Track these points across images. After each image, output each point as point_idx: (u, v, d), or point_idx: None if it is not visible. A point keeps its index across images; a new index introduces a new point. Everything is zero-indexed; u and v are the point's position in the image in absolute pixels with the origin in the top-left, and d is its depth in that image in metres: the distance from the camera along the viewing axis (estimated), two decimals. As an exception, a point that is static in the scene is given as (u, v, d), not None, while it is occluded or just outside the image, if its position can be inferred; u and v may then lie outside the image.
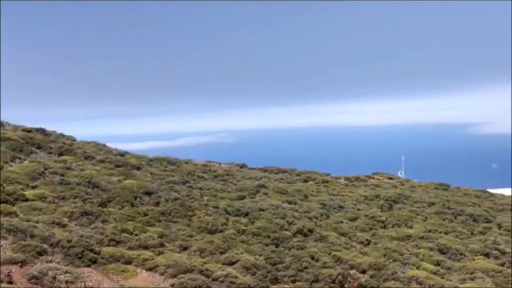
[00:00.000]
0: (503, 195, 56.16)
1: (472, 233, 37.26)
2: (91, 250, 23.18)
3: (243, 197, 38.45)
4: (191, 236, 28.45)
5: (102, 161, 41.71)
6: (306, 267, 26.43)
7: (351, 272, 26.88)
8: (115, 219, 28.60)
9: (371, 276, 26.68)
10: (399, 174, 76.52)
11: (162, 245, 26.45)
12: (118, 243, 25.62)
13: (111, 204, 31.28)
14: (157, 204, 32.88)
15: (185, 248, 26.68)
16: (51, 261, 21.42)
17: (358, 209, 39.54)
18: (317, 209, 37.31)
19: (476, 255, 32.25)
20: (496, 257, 32.32)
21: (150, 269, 23.44)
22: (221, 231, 30.13)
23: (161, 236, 27.45)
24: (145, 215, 30.49)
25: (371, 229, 35.26)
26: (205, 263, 24.42)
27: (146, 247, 25.64)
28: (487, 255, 32.56)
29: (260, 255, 26.91)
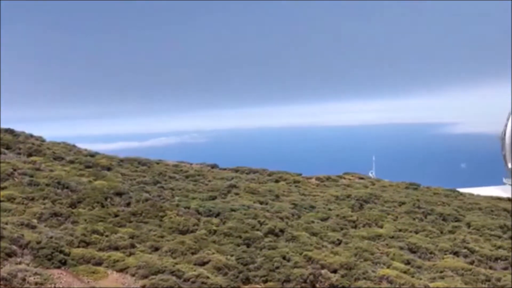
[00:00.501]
0: (472, 194, 56.75)
1: (441, 232, 37.58)
2: (61, 252, 22.97)
3: (214, 198, 38.38)
4: (162, 236, 28.33)
5: (72, 162, 41.38)
6: (277, 267, 26.44)
7: (322, 271, 26.94)
8: (85, 220, 28.38)
9: (342, 276, 26.77)
10: (370, 174, 77.03)
11: (133, 246, 26.30)
12: (88, 244, 25.43)
13: (81, 205, 31.05)
14: (128, 204, 32.70)
15: (156, 249, 26.56)
16: (20, 263, 21.19)
17: (329, 209, 39.68)
18: (289, 209, 37.37)
19: (445, 254, 32.53)
20: (465, 256, 32.63)
21: (120, 270, 23.29)
22: (192, 231, 30.05)
23: (132, 237, 27.30)
24: (116, 216, 30.30)
25: (342, 228, 35.39)
26: (176, 263, 24.32)
27: (116, 248, 25.48)
28: (456, 253, 32.86)
29: (231, 255, 26.86)
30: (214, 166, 56.13)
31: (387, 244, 32.95)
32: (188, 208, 33.74)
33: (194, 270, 23.75)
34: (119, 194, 33.59)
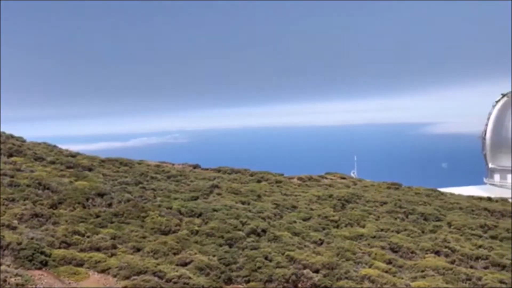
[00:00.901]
0: (453, 194, 57.11)
1: (423, 232, 37.77)
2: (42, 253, 22.83)
3: (196, 198, 38.31)
4: (144, 237, 28.24)
5: (53, 162, 41.13)
6: (259, 267, 26.44)
7: (305, 271, 26.98)
8: (66, 221, 28.23)
9: (324, 276, 26.83)
10: (352, 174, 77.27)
11: (114, 246, 26.19)
12: (69, 245, 25.30)
13: (62, 206, 30.87)
14: (110, 205, 32.56)
15: (138, 250, 26.47)
16: (1, 264, 21.04)
17: (311, 209, 39.74)
18: (271, 209, 37.39)
19: (426, 253, 32.70)
20: (447, 255, 32.83)
21: (102, 271, 23.19)
22: (174, 232, 29.97)
23: (113, 238, 27.18)
24: (97, 216, 30.16)
25: (324, 228, 35.46)
26: (158, 264, 24.25)
27: (98, 249, 25.36)
28: (437, 253, 33.04)
29: (213, 256, 26.83)
30: (196, 166, 56.04)
31: (369, 244, 33.06)
32: (170, 208, 33.65)
33: (176, 271, 23.69)
34: (101, 194, 33.43)
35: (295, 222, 35.69)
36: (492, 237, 38.23)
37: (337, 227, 36.58)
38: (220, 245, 28.80)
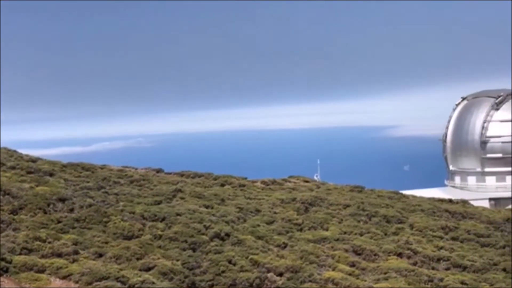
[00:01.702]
0: (415, 196, 57.65)
1: (385, 234, 38.07)
2: (3, 259, 22.51)
3: (159, 202, 38.09)
4: (106, 242, 28.00)
5: (13, 168, 40.54)
6: (223, 271, 26.41)
7: (268, 275, 27.02)
8: (27, 227, 27.85)
9: (288, 279, 26.89)
10: (315, 177, 77.49)
11: (76, 252, 25.93)
12: (30, 251, 24.98)
13: (22, 212, 30.44)
14: (71, 210, 32.20)
15: (101, 255, 26.25)
16: (-41, 272, 20.69)
17: (275, 213, 39.79)
18: (234, 213, 37.34)
19: (389, 255, 32.98)
20: (409, 257, 33.14)
21: (64, 277, 22.95)
22: (137, 236, 29.77)
23: (75, 243, 26.91)
24: (59, 222, 29.82)
25: (287, 232, 35.53)
26: (121, 269, 24.07)
27: (59, 255, 25.08)
28: (400, 255, 33.34)
29: (177, 260, 26.72)
30: (159, 171, 55.72)
31: (332, 247, 33.22)
32: (133, 213, 33.40)
33: (140, 276, 23.54)
34: (62, 200, 33.05)
35: (258, 225, 35.70)
36: (453, 239, 38.71)
37: (301, 230, 36.68)
38: (184, 250, 28.69)
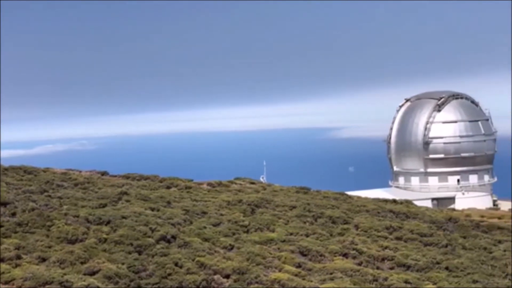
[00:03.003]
0: (359, 197, 58.32)
1: (331, 235, 38.37)
2: None
3: (104, 205, 37.66)
4: (50, 246, 27.54)
5: (-48, 171, 39.62)
6: (170, 274, 26.25)
7: (215, 277, 26.96)
8: (-33, 232, 27.21)
9: (235, 281, 26.87)
10: (261, 179, 77.76)
11: (19, 257, 25.44)
12: (-29, 256, 24.41)
13: (-37, 216, 29.74)
14: (13, 214, 31.60)
15: (44, 259, 25.81)
16: None
17: (221, 214, 39.74)
18: (180, 215, 37.16)
19: (335, 256, 33.24)
20: (354, 257, 33.46)
21: (6, 282, 22.49)
22: (81, 240, 29.35)
23: (17, 248, 26.40)
24: (1, 226, 29.22)
25: (234, 233, 35.51)
26: (65, 274, 23.70)
27: (1, 260, 24.57)
28: (345, 255, 33.64)
29: (122, 264, 26.43)
30: (104, 173, 55.15)
31: (278, 248, 33.32)
32: (77, 216, 32.93)
33: (84, 280, 23.21)
34: (4, 204, 32.42)
35: (205, 227, 35.59)
36: (397, 238, 39.25)
37: (247, 232, 36.70)
38: (129, 253, 28.40)
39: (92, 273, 24.80)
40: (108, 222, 32.76)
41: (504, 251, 37.90)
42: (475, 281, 30.57)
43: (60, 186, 43.85)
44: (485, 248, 38.58)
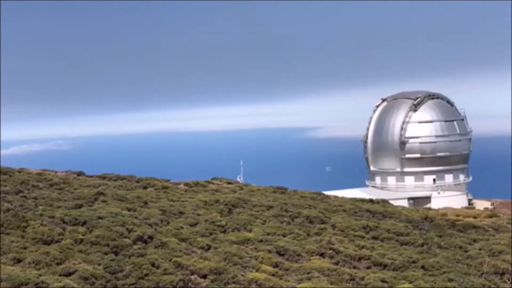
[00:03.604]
0: (336, 197, 58.54)
1: (308, 234, 38.45)
2: None
3: (80, 206, 37.44)
4: (25, 247, 27.30)
5: None
6: (146, 275, 26.14)
7: (192, 277, 26.92)
8: None
9: (212, 281, 26.84)
10: (238, 179, 77.71)
11: (-7, 258, 25.19)
12: None
13: None
14: (-12, 215, 31.28)
15: (19, 261, 25.59)
16: None
17: (198, 214, 39.69)
18: (157, 216, 37.05)
19: (312, 256, 33.31)
20: (331, 257, 33.56)
21: (-20, 284, 22.27)
22: (57, 241, 29.14)
23: (-8, 249, 26.15)
24: (-25, 227, 28.93)
25: (211, 234, 35.47)
26: (40, 275, 23.52)
27: (-24, 261, 24.32)
28: (322, 255, 33.72)
29: (99, 264, 26.30)
30: (80, 174, 54.83)
31: (256, 248, 33.34)
32: (53, 217, 32.69)
33: (60, 281, 23.06)
34: (-22, 204, 32.07)
35: (182, 228, 35.53)
36: (374, 238, 39.43)
37: (224, 232, 36.68)
38: (106, 254, 28.26)
39: (68, 274, 24.64)
40: (84, 223, 32.56)
41: (480, 249, 38.25)
42: (450, 280, 30.80)
43: (35, 186, 43.55)
44: (460, 247, 38.89)
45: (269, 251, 32.67)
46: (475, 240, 41.55)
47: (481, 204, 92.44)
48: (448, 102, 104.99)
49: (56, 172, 54.18)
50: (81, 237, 29.95)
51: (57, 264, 25.56)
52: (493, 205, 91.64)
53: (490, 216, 56.21)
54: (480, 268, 33.71)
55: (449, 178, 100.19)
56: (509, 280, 32.40)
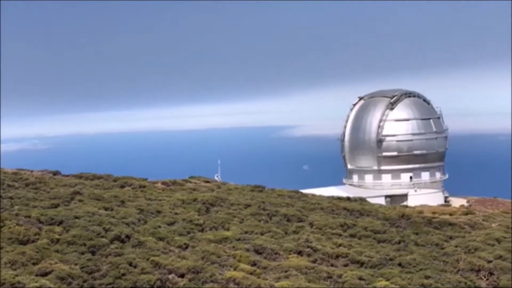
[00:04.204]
0: (314, 195, 58.65)
1: (286, 233, 38.49)
2: None
3: (57, 205, 37.19)
4: (1, 248, 27.09)
5: None
6: (124, 274, 26.04)
7: (170, 276, 26.85)
8: None
9: (190, 280, 26.79)
10: (215, 177, 77.50)
11: (-32, 259, 24.95)
12: None
13: None
14: (-37, 215, 30.98)
15: (-5, 261, 25.37)
16: None
17: (176, 213, 39.58)
18: (135, 215, 36.91)
19: (290, 254, 33.37)
20: (309, 255, 33.64)
21: (-45, 285, 22.05)
22: (33, 241, 28.93)
23: (-33, 250, 25.91)
24: (-51, 228, 28.64)
25: (189, 232, 35.40)
26: (16, 275, 23.35)
27: (-50, 262, 24.08)
28: (300, 253, 33.79)
29: (75, 264, 26.16)
30: (56, 173, 54.43)
31: (233, 247, 33.32)
32: (29, 217, 32.45)
33: (36, 281, 22.91)
34: (-47, 204, 31.75)
35: (159, 227, 35.42)
36: (352, 235, 39.58)
37: (202, 230, 36.62)
38: (82, 253, 28.11)
39: (45, 274, 24.49)
40: (61, 222, 32.35)
41: (456, 247, 38.54)
42: (427, 277, 31.03)
43: (11, 186, 43.21)
44: (437, 244, 39.16)
45: (247, 250, 32.68)
46: (451, 237, 41.85)
47: (457, 202, 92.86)
48: (425, 100, 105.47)
49: (32, 171, 53.74)
50: (57, 237, 29.77)
51: (33, 264, 25.40)
52: (468, 202, 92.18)
53: (466, 214, 56.57)
54: (456, 265, 33.99)
55: (425, 176, 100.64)
56: (485, 277, 32.72)
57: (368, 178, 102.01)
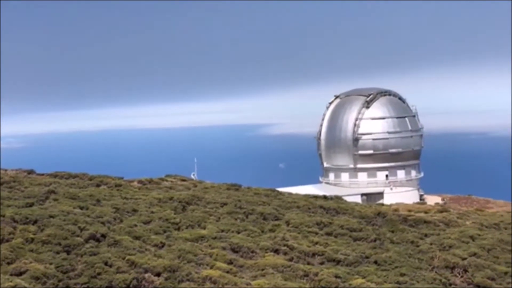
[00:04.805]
0: (290, 193, 58.73)
1: (262, 231, 38.53)
2: None
3: (31, 204, 36.87)
4: (-26, 247, 26.84)
5: None
6: (99, 273, 25.92)
7: (146, 275, 26.77)
8: None
9: (166, 279, 26.73)
10: (192, 176, 77.44)
11: None
12: None
13: None
14: None
15: (-32, 261, 25.12)
16: None
17: (152, 212, 39.43)
18: (110, 214, 36.72)
19: (266, 252, 33.41)
20: (285, 253, 33.70)
21: None
22: (8, 240, 28.68)
23: None
24: None
25: (165, 231, 35.30)
26: (-10, 275, 23.12)
27: None
28: (276, 251, 33.85)
29: (50, 264, 25.98)
30: (31, 172, 53.98)
31: (210, 245, 33.28)
32: (3, 216, 32.14)
33: (11, 281, 22.73)
34: None
35: (135, 225, 35.27)
36: (328, 234, 39.68)
37: (178, 229, 36.53)
38: (57, 253, 27.93)
39: (19, 274, 24.32)
40: (35, 222, 32.09)
41: (431, 244, 38.83)
42: (402, 274, 31.26)
43: (-15, 185, 42.74)
44: (412, 242, 39.41)
45: (224, 248, 32.67)
46: (426, 235, 42.14)
47: (432, 200, 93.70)
48: (400, 98, 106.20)
49: (6, 170, 53.24)
50: (32, 236, 29.54)
51: (8, 263, 25.20)
52: (443, 200, 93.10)
53: (441, 211, 56.87)
54: (431, 262, 34.26)
55: (401, 174, 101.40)
56: (459, 274, 33.00)
57: (344, 176, 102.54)
